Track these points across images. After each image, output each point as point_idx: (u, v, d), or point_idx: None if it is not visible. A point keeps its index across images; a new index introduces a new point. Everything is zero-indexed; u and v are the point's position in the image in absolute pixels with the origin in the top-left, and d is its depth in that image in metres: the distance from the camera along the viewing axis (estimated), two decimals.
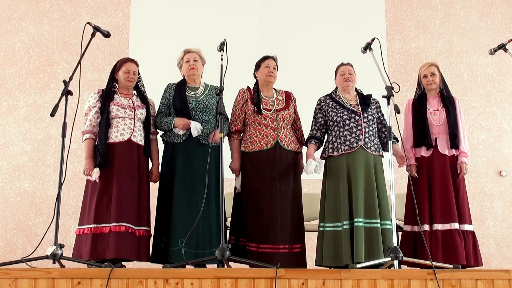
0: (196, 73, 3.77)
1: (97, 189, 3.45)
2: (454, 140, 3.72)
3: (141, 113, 3.65)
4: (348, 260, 3.29)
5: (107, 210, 3.39)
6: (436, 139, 3.75)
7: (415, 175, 3.72)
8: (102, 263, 3.22)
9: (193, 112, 3.65)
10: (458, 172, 3.71)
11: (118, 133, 3.54)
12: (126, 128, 3.56)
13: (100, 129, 3.52)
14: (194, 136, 3.58)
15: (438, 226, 3.59)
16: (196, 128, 3.56)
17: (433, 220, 3.61)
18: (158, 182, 3.69)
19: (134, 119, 3.60)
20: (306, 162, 3.59)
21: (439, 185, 3.66)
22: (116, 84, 3.71)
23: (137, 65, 3.72)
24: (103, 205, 3.40)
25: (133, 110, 3.61)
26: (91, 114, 3.57)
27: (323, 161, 3.65)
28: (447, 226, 3.58)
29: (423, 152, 3.75)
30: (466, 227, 3.64)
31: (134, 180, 3.50)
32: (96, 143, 3.54)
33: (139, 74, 3.74)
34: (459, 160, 3.75)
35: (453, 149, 3.74)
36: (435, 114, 3.80)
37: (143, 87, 3.80)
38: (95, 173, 3.44)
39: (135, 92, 3.76)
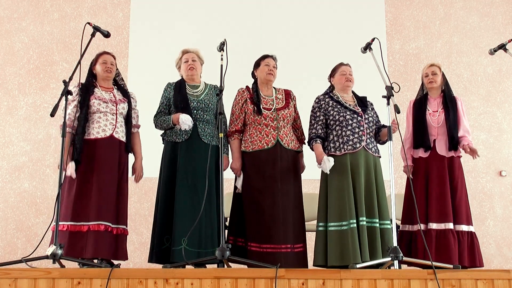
0: (195, 73, 3.76)
1: (74, 185, 3.36)
2: (452, 142, 3.73)
3: (123, 107, 3.60)
4: (357, 258, 3.27)
5: (86, 207, 3.32)
6: (434, 140, 3.76)
7: (410, 176, 3.72)
8: (101, 263, 3.22)
9: (195, 111, 3.64)
10: (469, 151, 3.69)
11: (100, 129, 3.47)
12: (108, 123, 3.50)
13: (78, 124, 3.42)
14: (185, 129, 3.53)
15: (432, 226, 3.61)
16: (184, 121, 3.50)
17: (428, 219, 3.63)
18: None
19: (116, 114, 3.55)
20: (322, 160, 3.49)
21: (435, 185, 3.68)
22: (95, 80, 3.63)
23: (114, 58, 3.69)
24: (81, 202, 3.33)
25: (115, 105, 3.56)
26: (70, 108, 3.42)
27: None
28: (441, 226, 3.59)
29: (421, 153, 3.77)
30: (463, 227, 3.64)
31: (114, 178, 3.45)
32: (73, 138, 3.43)
33: (117, 69, 3.72)
34: (462, 143, 3.74)
35: (452, 151, 3.75)
36: (434, 116, 3.80)
37: (123, 80, 3.77)
38: (70, 168, 3.32)
39: (115, 85, 3.70)
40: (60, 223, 3.31)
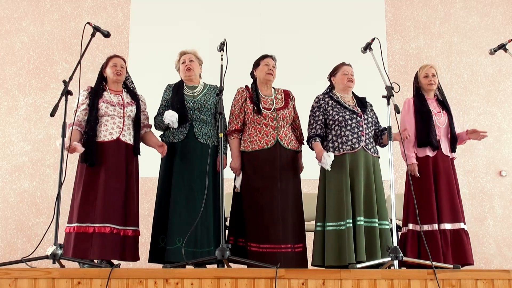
0: (192, 74, 3.77)
1: (81, 187, 3.41)
2: (454, 143, 3.79)
3: (131, 110, 3.61)
4: (352, 258, 3.28)
5: (91, 209, 3.36)
6: (439, 140, 3.77)
7: (417, 175, 3.72)
8: (101, 263, 3.23)
9: (191, 111, 3.64)
10: (477, 132, 3.81)
11: (107, 132, 3.50)
12: (115, 127, 3.53)
13: (89, 126, 3.47)
14: (168, 124, 3.54)
15: (447, 226, 3.60)
16: (166, 116, 3.53)
17: (440, 219, 3.62)
18: (160, 179, 3.68)
19: (124, 117, 3.57)
20: (323, 156, 3.47)
21: (445, 185, 3.68)
22: (105, 83, 3.67)
23: (124, 61, 3.71)
24: (87, 204, 3.37)
25: (122, 108, 3.58)
26: (79, 110, 3.51)
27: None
28: (456, 226, 3.61)
29: (428, 151, 3.75)
30: (464, 226, 3.67)
31: (122, 181, 3.48)
32: (82, 139, 3.48)
33: (127, 72, 3.74)
34: (463, 134, 3.87)
35: (453, 152, 3.80)
36: (440, 116, 3.82)
37: (133, 84, 3.79)
38: (77, 145, 3.34)
39: (124, 89, 3.72)
40: (68, 225, 3.42)
